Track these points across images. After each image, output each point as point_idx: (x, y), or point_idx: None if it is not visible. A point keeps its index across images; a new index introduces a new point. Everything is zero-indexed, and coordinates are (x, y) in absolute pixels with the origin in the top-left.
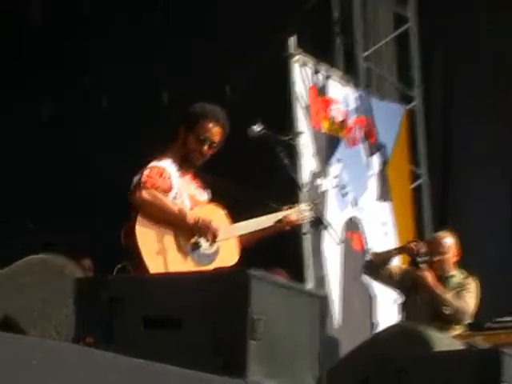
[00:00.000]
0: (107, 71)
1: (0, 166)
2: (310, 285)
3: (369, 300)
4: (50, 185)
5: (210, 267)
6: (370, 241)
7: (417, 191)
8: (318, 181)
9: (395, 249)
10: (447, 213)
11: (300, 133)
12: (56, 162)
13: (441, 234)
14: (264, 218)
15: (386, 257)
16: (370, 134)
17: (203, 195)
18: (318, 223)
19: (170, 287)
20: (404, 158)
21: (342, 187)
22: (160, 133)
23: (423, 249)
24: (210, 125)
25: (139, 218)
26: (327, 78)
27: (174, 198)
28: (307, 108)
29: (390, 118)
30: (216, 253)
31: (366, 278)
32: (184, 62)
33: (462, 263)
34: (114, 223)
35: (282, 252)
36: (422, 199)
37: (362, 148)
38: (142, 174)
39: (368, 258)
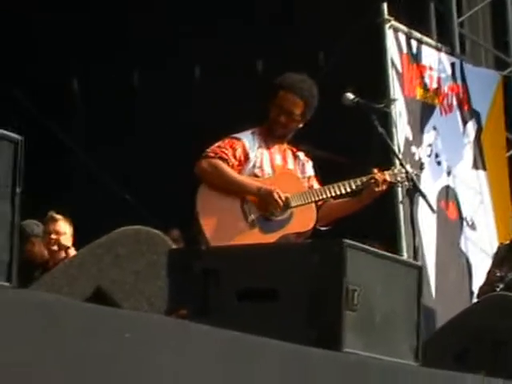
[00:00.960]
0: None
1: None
2: (405, 254)
3: (467, 269)
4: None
5: (279, 234)
6: (466, 209)
7: None
8: (413, 149)
9: None
10: None
11: (394, 100)
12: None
13: None
14: (350, 181)
15: None
16: (464, 102)
17: (293, 165)
18: (414, 191)
19: (264, 258)
20: (500, 126)
21: (436, 155)
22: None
23: None
24: (290, 96)
25: (200, 189)
26: (420, 44)
27: (253, 167)
28: (401, 75)
29: (484, 84)
30: (288, 219)
31: (464, 247)
32: (277, 30)
33: None
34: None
35: (378, 221)
36: None
37: (457, 115)
38: (212, 145)
39: None
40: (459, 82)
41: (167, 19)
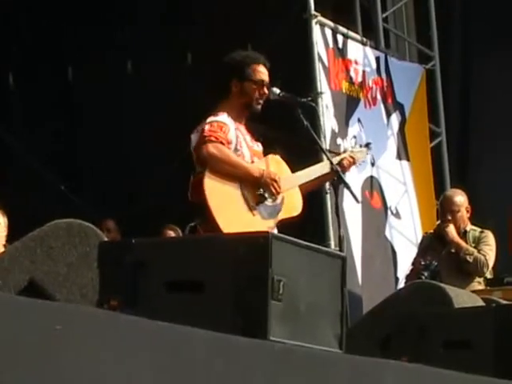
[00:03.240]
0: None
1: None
2: (332, 243)
3: (392, 256)
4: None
5: (276, 219)
6: (390, 199)
7: (436, 150)
8: (338, 140)
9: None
10: (466, 170)
11: (321, 93)
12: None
13: (450, 192)
14: (322, 163)
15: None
16: (388, 94)
17: (259, 146)
18: (338, 182)
19: (192, 250)
20: (423, 118)
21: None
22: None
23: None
24: (260, 67)
25: (207, 173)
26: (346, 39)
27: (235, 149)
28: (327, 69)
29: (408, 78)
30: (281, 203)
31: (389, 235)
32: (206, 23)
33: (481, 217)
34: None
35: (306, 211)
36: (442, 157)
37: (381, 108)
38: (204, 129)
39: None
40: (383, 75)
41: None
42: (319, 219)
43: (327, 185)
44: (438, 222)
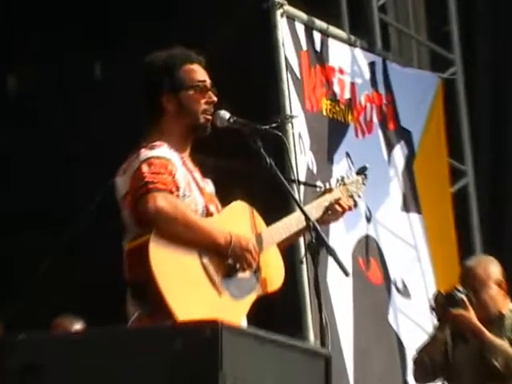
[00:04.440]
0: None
1: None
2: (310, 336)
3: (398, 351)
4: None
5: (251, 298)
6: (394, 269)
7: (459, 196)
8: (318, 184)
9: None
10: (502, 223)
11: (290, 117)
12: None
13: (472, 261)
14: (306, 208)
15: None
16: (388, 117)
17: (210, 185)
18: (318, 246)
19: (108, 349)
20: (440, 149)
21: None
22: None
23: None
24: (194, 67)
25: (153, 237)
26: (326, 37)
27: (183, 196)
28: (300, 82)
29: (417, 92)
30: (258, 274)
31: (393, 321)
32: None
33: None
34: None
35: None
36: (469, 206)
37: (378, 137)
38: (141, 171)
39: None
40: (382, 89)
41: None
42: (292, 300)
43: (302, 250)
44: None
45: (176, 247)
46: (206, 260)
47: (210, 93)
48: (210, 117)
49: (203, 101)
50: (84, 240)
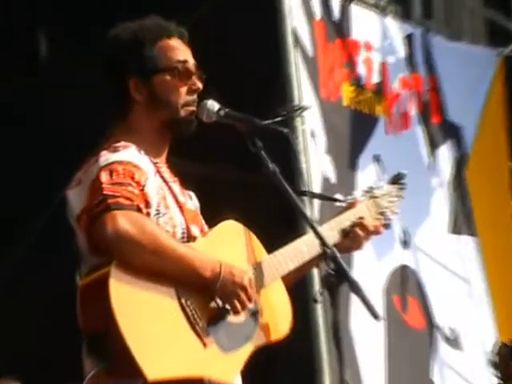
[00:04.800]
0: None
1: None
2: None
3: None
4: None
5: (248, 351)
6: (440, 311)
7: None
8: (337, 197)
9: None
10: None
11: (301, 109)
12: None
13: None
14: (321, 229)
15: None
16: (432, 108)
17: (193, 200)
18: (338, 281)
19: None
20: (500, 151)
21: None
22: None
23: None
24: (173, 42)
25: (114, 271)
26: (348, 3)
27: (157, 214)
28: (313, 62)
29: (470, 74)
30: (254, 317)
31: (438, 377)
32: None
33: None
34: None
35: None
36: None
37: (418, 134)
38: (100, 180)
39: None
40: (422, 70)
41: None
42: (302, 351)
43: (316, 284)
44: None
45: (145, 283)
46: (185, 300)
47: (193, 77)
48: (193, 109)
49: (184, 88)
50: (26, 274)
